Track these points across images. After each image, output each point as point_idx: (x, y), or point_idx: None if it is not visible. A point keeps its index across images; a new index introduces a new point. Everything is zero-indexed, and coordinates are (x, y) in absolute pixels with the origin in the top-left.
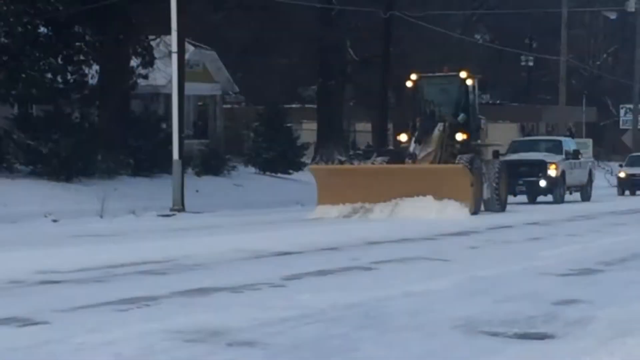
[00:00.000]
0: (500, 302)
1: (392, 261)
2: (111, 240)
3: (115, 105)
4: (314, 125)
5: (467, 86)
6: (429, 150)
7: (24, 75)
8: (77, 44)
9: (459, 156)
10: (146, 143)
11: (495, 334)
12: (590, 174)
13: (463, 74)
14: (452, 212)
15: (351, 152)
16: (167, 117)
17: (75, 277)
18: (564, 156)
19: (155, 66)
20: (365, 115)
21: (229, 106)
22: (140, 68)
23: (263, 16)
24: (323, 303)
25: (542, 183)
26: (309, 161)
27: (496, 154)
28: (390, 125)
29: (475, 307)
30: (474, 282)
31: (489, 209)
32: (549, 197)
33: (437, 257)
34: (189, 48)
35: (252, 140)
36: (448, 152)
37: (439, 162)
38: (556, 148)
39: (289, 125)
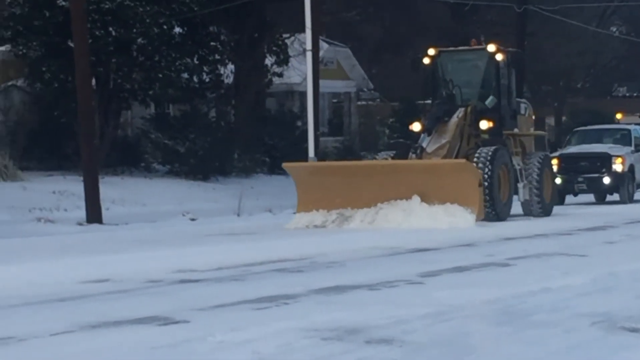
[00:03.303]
0: None
1: (528, 257)
2: (248, 238)
3: (251, 103)
4: None
5: (497, 62)
6: (443, 141)
7: (160, 76)
8: (213, 43)
9: (479, 149)
10: (281, 141)
11: (635, 330)
12: None
13: (491, 48)
14: (450, 219)
15: None
16: (302, 114)
17: (214, 275)
18: (633, 148)
19: (289, 64)
20: None
21: (363, 103)
22: (275, 66)
23: (396, 12)
24: (460, 300)
25: (606, 180)
26: None
27: (542, 146)
28: None
29: (615, 302)
30: (612, 277)
31: (530, 213)
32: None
33: (573, 253)
34: (323, 45)
35: (387, 136)
36: (471, 143)
37: (456, 157)
38: (624, 138)
39: None
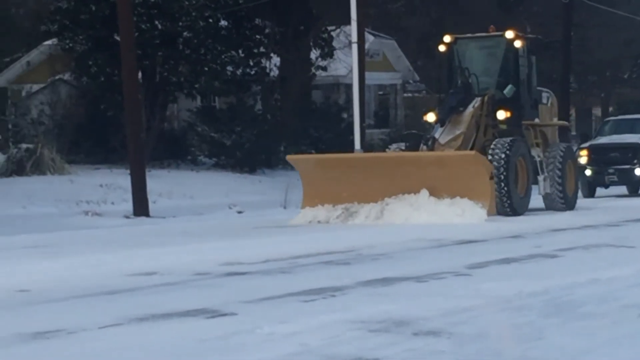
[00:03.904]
0: None
1: (576, 248)
2: (295, 230)
3: (296, 96)
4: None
5: (515, 50)
6: (457, 132)
7: (206, 69)
8: (258, 36)
9: (495, 140)
10: (327, 133)
11: None
12: None
13: (509, 34)
14: (459, 214)
15: None
16: (348, 107)
17: (261, 268)
18: None
19: (335, 56)
20: None
21: (409, 95)
22: (320, 59)
23: (442, 3)
24: (508, 291)
25: (638, 171)
26: None
27: (566, 137)
28: (572, 111)
29: None
30: None
31: (551, 207)
32: None
33: (621, 244)
34: (369, 37)
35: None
36: (489, 134)
37: (472, 148)
38: None
39: None
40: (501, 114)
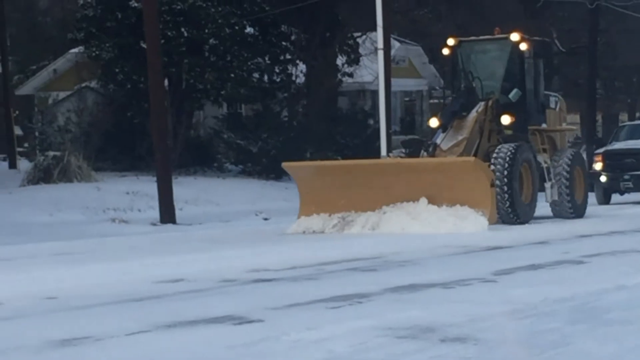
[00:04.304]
0: None
1: (603, 254)
2: (322, 237)
3: (322, 103)
4: None
5: (521, 53)
6: (460, 138)
7: (232, 76)
8: (284, 43)
9: (499, 146)
10: (353, 140)
11: None
12: None
13: (515, 37)
14: (459, 223)
15: None
16: (374, 113)
17: (287, 274)
18: None
19: (361, 63)
20: (573, 107)
21: (435, 101)
22: (346, 65)
23: (468, 9)
24: (535, 297)
25: None
26: None
27: (577, 143)
28: (599, 117)
29: None
30: None
31: (559, 215)
32: None
33: None
34: (395, 44)
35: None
36: (493, 140)
37: (475, 154)
38: None
39: None
40: (506, 119)
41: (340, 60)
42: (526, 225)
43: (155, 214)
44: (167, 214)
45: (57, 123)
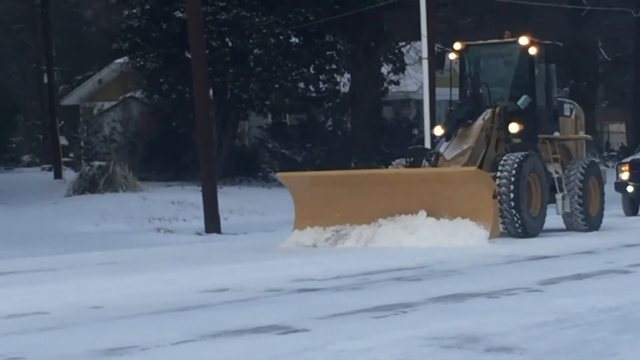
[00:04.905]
0: None
1: None
2: (366, 247)
3: (367, 112)
4: None
5: (530, 57)
6: (465, 147)
7: (277, 86)
8: (329, 53)
9: (506, 155)
10: (398, 149)
11: None
12: None
13: (524, 40)
14: (458, 237)
15: (605, 154)
16: (419, 122)
17: (332, 284)
18: None
19: (405, 72)
20: (618, 116)
21: None
22: (391, 75)
23: (512, 18)
24: (580, 307)
25: None
26: None
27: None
28: None
29: None
30: None
31: (572, 227)
32: None
33: None
34: None
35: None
36: (501, 149)
37: (481, 164)
38: None
39: None
40: (514, 127)
41: (385, 70)
42: (570, 235)
43: (200, 223)
44: (212, 224)
45: (102, 133)
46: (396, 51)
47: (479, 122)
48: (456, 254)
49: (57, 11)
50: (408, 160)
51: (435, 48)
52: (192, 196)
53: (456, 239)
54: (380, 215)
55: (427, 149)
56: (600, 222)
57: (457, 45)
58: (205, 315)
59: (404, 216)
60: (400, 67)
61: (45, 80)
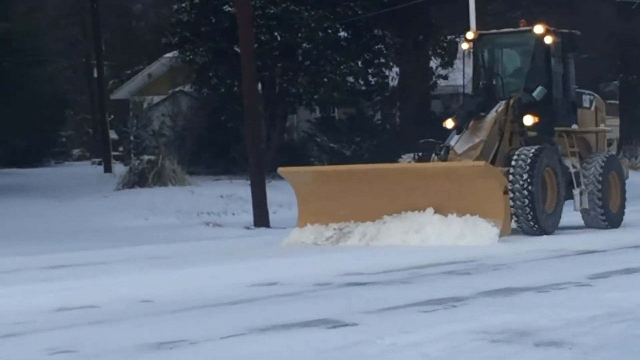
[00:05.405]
0: None
1: None
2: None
3: (416, 106)
4: (616, 122)
5: (546, 47)
6: (477, 140)
7: (325, 80)
8: (377, 46)
9: (519, 149)
10: None
11: None
12: None
13: (539, 29)
14: (466, 235)
15: None
16: None
17: (382, 278)
18: None
19: (454, 66)
20: None
21: None
22: (439, 68)
23: (562, 12)
24: (630, 302)
25: None
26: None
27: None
28: None
29: None
30: None
31: (591, 224)
32: None
33: None
34: None
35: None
36: (515, 143)
37: (494, 159)
38: None
39: None
40: (528, 120)
41: (434, 63)
42: (617, 229)
43: (249, 217)
44: (261, 218)
45: (151, 127)
46: (445, 45)
47: (492, 114)
48: (505, 249)
49: (106, 6)
50: (416, 154)
51: None
52: (240, 190)
53: (464, 238)
54: (386, 213)
55: (437, 143)
56: (621, 218)
57: (470, 35)
58: (254, 309)
59: (410, 213)
60: (449, 61)
61: (95, 74)
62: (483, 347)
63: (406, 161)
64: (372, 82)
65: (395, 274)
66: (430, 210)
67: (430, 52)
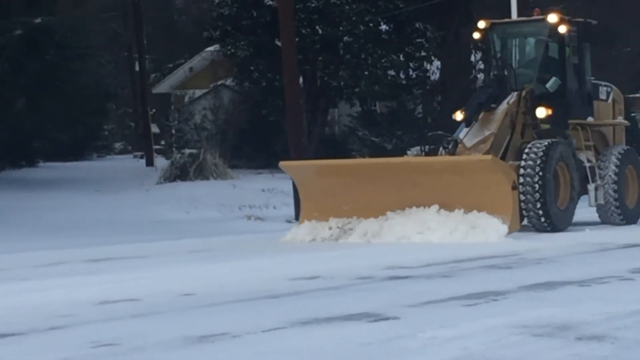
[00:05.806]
0: None
1: None
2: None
3: (457, 99)
4: None
5: (561, 36)
6: (487, 133)
7: (366, 73)
8: (418, 40)
9: (531, 142)
10: None
11: None
12: None
13: (552, 18)
14: (473, 232)
15: None
16: None
17: (423, 272)
18: None
19: None
20: None
21: None
22: (480, 62)
23: (605, 5)
24: None
25: None
26: None
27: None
28: None
29: None
30: None
31: (607, 220)
32: None
33: None
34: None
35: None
36: (528, 136)
37: (505, 152)
38: None
39: (632, 114)
40: (541, 112)
41: (475, 57)
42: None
43: (290, 211)
44: None
45: (193, 121)
46: None
47: (503, 106)
48: (548, 242)
49: (148, 0)
50: (423, 148)
51: None
52: (282, 184)
53: (470, 235)
54: (389, 208)
55: (446, 135)
56: (639, 214)
57: (482, 24)
58: (296, 303)
59: (415, 209)
60: None
61: (137, 68)
62: (524, 341)
63: (412, 155)
64: (413, 76)
65: (437, 268)
66: (434, 207)
67: (471, 46)
